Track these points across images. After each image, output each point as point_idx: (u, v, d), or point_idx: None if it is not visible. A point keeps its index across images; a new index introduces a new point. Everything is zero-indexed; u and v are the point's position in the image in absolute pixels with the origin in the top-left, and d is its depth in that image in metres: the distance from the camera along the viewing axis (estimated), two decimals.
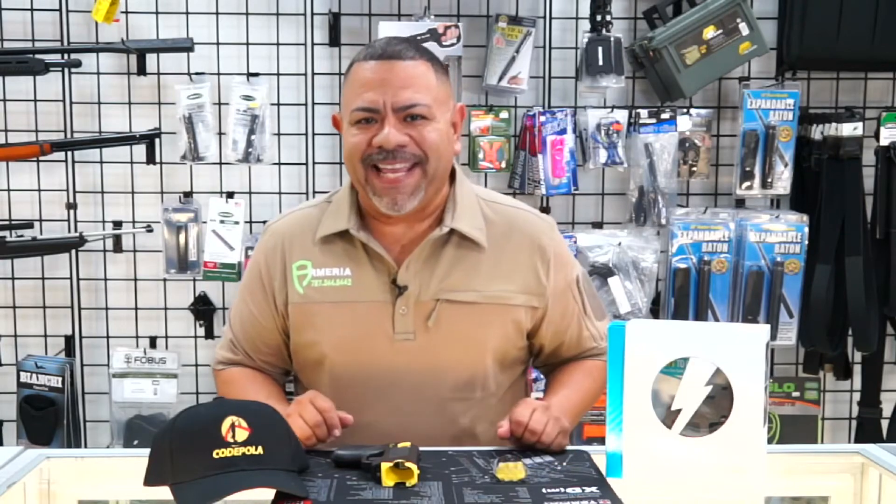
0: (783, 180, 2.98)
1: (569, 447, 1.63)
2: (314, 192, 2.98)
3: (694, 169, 3.02)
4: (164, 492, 1.35)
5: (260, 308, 1.79)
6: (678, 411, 1.44)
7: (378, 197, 1.66)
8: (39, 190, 3.02)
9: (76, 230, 2.95)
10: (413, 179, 1.65)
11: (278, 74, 3.02)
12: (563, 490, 1.40)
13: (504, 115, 3.00)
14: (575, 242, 2.91)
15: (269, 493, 1.37)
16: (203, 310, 3.03)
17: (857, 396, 3.14)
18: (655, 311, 3.00)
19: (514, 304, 1.73)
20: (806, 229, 2.92)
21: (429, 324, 1.69)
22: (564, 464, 1.52)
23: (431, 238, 1.70)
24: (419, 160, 1.65)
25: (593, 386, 1.80)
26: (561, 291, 1.78)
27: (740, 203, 3.06)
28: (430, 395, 1.70)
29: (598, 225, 3.06)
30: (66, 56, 2.86)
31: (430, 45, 2.64)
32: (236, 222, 2.93)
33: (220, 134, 2.95)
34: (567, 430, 1.65)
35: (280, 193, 3.04)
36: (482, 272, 1.71)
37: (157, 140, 2.92)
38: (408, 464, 1.41)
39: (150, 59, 2.94)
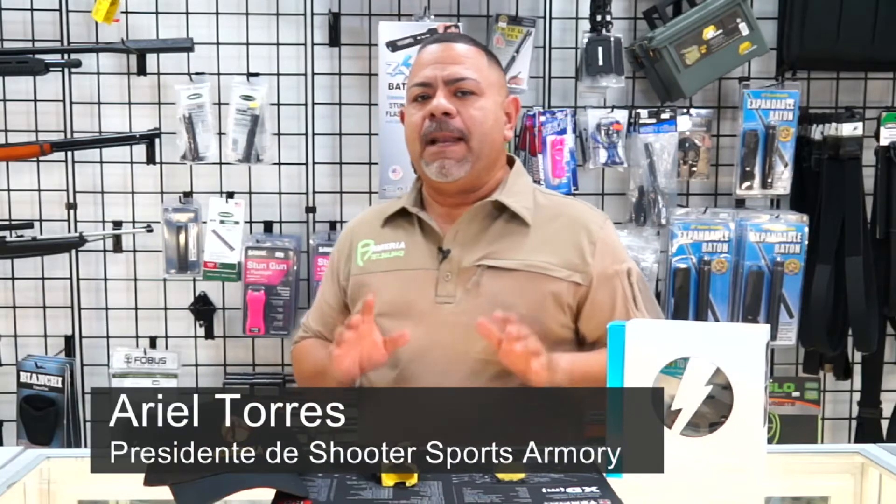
0: (783, 180, 2.98)
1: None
2: (314, 193, 2.98)
3: (694, 169, 3.01)
4: (164, 492, 1.35)
5: (330, 291, 1.96)
6: (678, 411, 1.44)
7: (429, 165, 1.79)
8: (39, 190, 3.02)
9: (76, 230, 2.95)
10: (459, 150, 1.78)
11: (278, 74, 3.02)
12: (563, 490, 1.40)
13: None
14: None
15: (269, 493, 1.37)
16: (203, 310, 3.03)
17: (857, 396, 3.14)
18: None
19: (554, 276, 1.78)
20: (806, 229, 2.92)
21: (468, 286, 1.77)
22: None
23: (477, 206, 1.81)
24: (462, 135, 1.77)
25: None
26: (608, 277, 1.81)
27: (740, 203, 3.06)
28: (462, 356, 1.76)
29: None
30: (66, 56, 2.86)
31: None
32: (236, 222, 2.93)
33: (220, 134, 2.95)
34: (550, 379, 1.66)
35: (280, 193, 3.04)
36: (526, 246, 1.80)
37: (156, 140, 2.92)
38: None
39: (150, 59, 2.94)
